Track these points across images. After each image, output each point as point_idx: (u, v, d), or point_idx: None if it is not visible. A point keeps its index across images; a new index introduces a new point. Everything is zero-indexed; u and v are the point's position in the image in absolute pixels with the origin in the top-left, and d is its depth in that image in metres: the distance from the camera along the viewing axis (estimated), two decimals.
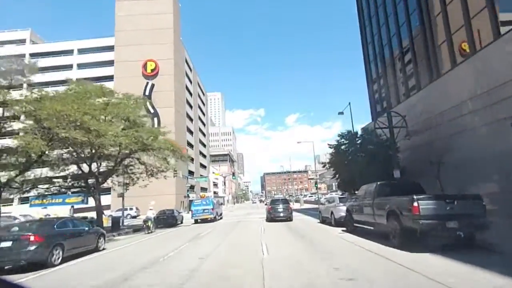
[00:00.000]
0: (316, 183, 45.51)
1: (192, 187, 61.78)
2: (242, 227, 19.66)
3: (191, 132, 64.57)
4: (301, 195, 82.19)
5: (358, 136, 20.81)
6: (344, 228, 13.19)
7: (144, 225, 20.26)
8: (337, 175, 23.05)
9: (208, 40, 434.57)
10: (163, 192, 48.19)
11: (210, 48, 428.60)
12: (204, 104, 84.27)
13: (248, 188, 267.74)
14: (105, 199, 49.64)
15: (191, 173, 58.89)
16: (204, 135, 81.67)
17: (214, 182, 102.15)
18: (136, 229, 21.82)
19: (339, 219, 14.60)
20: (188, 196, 46.18)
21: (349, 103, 26.87)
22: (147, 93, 50.51)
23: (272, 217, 20.37)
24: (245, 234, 15.42)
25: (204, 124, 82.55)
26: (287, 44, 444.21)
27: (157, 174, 23.54)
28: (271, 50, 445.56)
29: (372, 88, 26.43)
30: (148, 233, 19.05)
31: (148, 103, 50.81)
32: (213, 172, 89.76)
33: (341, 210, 14.61)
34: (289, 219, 20.31)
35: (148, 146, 19.19)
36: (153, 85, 50.99)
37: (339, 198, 15.55)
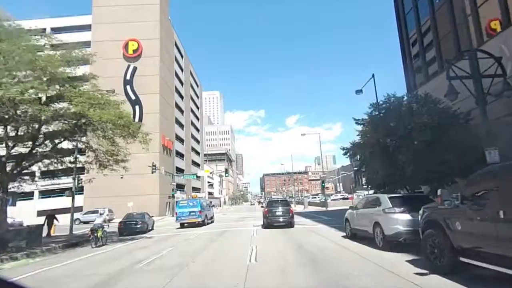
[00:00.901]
0: (323, 182, 38.87)
1: (181, 186, 55.02)
2: (225, 241, 13.12)
3: (181, 125, 57.87)
4: (305, 196, 75.64)
5: (404, 102, 13.81)
6: (416, 257, 6.52)
7: (91, 236, 13.80)
8: (365, 167, 16.23)
9: (208, 41, 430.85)
10: (145, 191, 41.48)
11: (210, 50, 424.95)
12: (198, 97, 77.62)
13: (247, 189, 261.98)
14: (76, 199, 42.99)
15: (180, 170, 52.24)
16: (197, 130, 74.99)
17: (209, 182, 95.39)
18: (85, 241, 15.29)
19: (393, 237, 7.97)
20: (173, 196, 39.47)
21: (373, 75, 20.45)
22: (128, 77, 43.88)
23: (269, 223, 16.47)
24: (223, 259, 8.77)
25: (198, 119, 75.88)
26: (288, 46, 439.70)
27: (114, 165, 16.73)
28: (271, 52, 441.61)
29: (409, 49, 19.63)
30: (97, 246, 13.38)
31: (128, 88, 44.28)
32: (203, 170, 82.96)
33: (397, 222, 7.99)
34: (290, 224, 16.40)
35: (81, 117, 12.53)
36: (135, 68, 44.32)
37: (391, 198, 8.75)
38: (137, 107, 43.09)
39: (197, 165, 70.71)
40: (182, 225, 21.24)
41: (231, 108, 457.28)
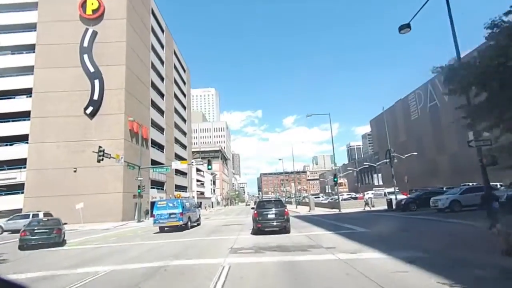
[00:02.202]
0: (335, 176, 29.79)
1: (159, 184, 45.66)
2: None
3: (160, 111, 48.50)
4: (310, 195, 66.65)
5: None
6: None
7: None
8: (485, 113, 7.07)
9: (206, 42, 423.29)
10: (104, 188, 32.13)
11: (208, 50, 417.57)
12: (185, 83, 68.23)
13: (244, 190, 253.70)
14: (12, 200, 33.49)
15: (156, 163, 42.93)
16: (184, 120, 65.65)
17: (199, 181, 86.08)
18: None
19: None
20: (139, 195, 30.19)
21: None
22: (85, 44, 34.45)
23: (259, 228, 13.54)
24: None
25: (184, 107, 66.52)
26: (285, 46, 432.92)
27: None
28: (269, 52, 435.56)
29: None
30: None
31: (86, 58, 34.85)
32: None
33: None
34: (284, 229, 13.53)
35: None
36: (95, 33, 34.92)
37: None
38: (96, 82, 33.70)
39: (183, 160, 61.25)
40: (162, 229, 18.61)
41: (228, 108, 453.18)
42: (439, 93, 68.17)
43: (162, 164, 46.79)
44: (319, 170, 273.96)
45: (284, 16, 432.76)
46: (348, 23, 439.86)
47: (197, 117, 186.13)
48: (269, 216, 13.58)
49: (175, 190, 53.97)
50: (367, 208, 29.58)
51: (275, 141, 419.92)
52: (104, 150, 23.51)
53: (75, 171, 32.24)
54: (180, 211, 18.20)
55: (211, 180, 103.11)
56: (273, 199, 16.13)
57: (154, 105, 45.21)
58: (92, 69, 33.88)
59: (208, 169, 30.45)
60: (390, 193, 35.17)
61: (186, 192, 61.30)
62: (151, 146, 42.96)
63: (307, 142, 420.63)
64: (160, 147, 47.21)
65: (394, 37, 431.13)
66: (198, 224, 22.30)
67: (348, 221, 17.80)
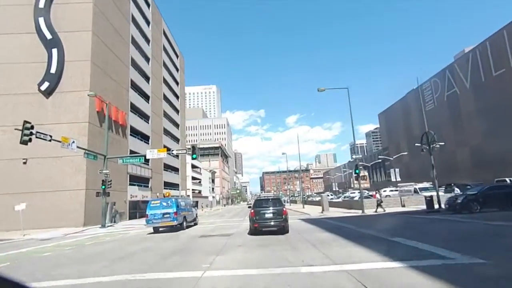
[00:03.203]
0: (356, 168, 22.78)
1: (142, 180, 38.93)
2: None
3: (144, 96, 41.71)
4: (322, 193, 59.76)
5: None
6: None
7: None
8: None
9: (209, 41, 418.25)
10: (61, 185, 25.39)
11: (211, 50, 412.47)
12: (178, 70, 61.37)
13: (246, 189, 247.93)
14: None
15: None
16: (177, 111, 58.83)
17: (196, 179, 79.29)
18: None
19: None
20: (105, 193, 23.45)
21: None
22: (41, 4, 27.67)
23: (256, 228, 12.84)
24: None
25: (177, 97, 59.69)
26: (287, 45, 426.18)
27: None
28: (271, 51, 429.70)
29: None
30: None
31: (41, 22, 28.00)
32: (190, 161, 66.74)
33: None
34: (283, 229, 12.79)
35: None
36: None
37: None
38: (54, 52, 26.93)
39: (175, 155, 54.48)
40: (156, 230, 17.73)
41: (231, 108, 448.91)
42: (459, 80, 61.05)
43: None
44: (322, 169, 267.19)
45: (286, 16, 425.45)
46: (350, 20, 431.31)
47: (197, 113, 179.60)
48: (267, 216, 12.92)
49: (165, 188, 47.25)
50: (381, 210, 22.55)
51: (278, 140, 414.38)
52: (32, 126, 16.61)
53: (24, 163, 25.51)
54: (175, 210, 17.46)
55: (209, 178, 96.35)
56: (271, 198, 14.86)
57: (135, 87, 38.39)
58: (49, 36, 27.09)
59: (193, 158, 23.69)
60: (422, 189, 28.24)
61: (177, 190, 54.57)
62: (131, 135, 36.18)
63: (310, 141, 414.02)
64: (144, 137, 40.42)
65: (394, 36, 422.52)
66: (195, 224, 21.44)
67: (402, 233, 10.83)
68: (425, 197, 21.95)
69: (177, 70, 61.08)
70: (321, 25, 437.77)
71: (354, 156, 24.02)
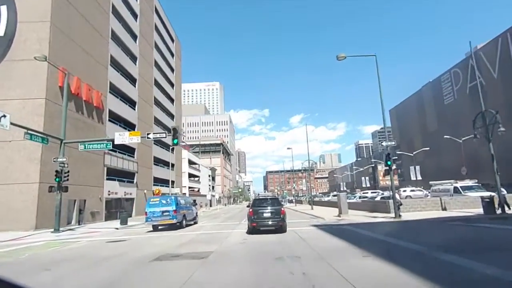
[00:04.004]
0: (388, 159, 16.97)
1: (125, 174, 33.53)
2: None
3: (130, 78, 36.29)
4: (328, 193, 54.08)
5: None
6: None
7: None
8: None
9: (214, 40, 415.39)
10: (7, 177, 19.97)
11: (216, 49, 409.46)
12: (173, 55, 55.82)
13: (249, 188, 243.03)
14: None
15: (130, 149, 30.77)
16: (171, 100, 53.37)
17: (194, 176, 73.83)
18: None
19: None
20: (60, 187, 18.06)
21: None
22: None
23: (254, 227, 12.82)
24: None
25: (172, 85, 54.22)
26: (292, 45, 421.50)
27: None
28: (276, 51, 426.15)
29: None
30: None
31: None
32: (183, 156, 61.21)
33: None
34: (280, 229, 12.77)
35: None
36: None
37: None
38: (3, 9, 21.53)
39: (166, 146, 49.12)
40: (155, 228, 17.74)
41: (235, 107, 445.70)
42: (486, 69, 54.81)
43: (130, 148, 34.58)
44: (326, 169, 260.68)
45: (287, 15, 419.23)
46: (355, 20, 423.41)
47: (199, 109, 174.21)
48: (265, 215, 12.91)
49: (155, 185, 41.87)
50: (403, 216, 16.59)
51: (282, 140, 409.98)
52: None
53: None
54: (174, 208, 17.26)
55: (209, 176, 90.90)
56: (269, 197, 15.34)
57: (117, 66, 32.90)
58: None
59: (174, 144, 18.27)
60: (466, 188, 22.45)
61: (172, 187, 49.12)
62: (112, 121, 30.73)
63: (314, 141, 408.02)
64: (128, 125, 34.93)
65: (396, 36, 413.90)
66: (195, 223, 21.25)
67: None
68: (482, 198, 16.30)
69: (172, 55, 55.52)
70: (325, 25, 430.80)
71: (385, 143, 18.29)
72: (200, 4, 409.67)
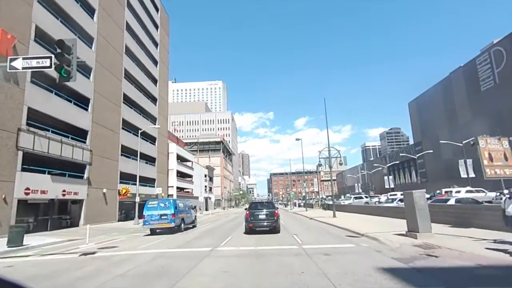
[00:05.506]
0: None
1: (73, 166, 23.30)
2: None
3: (80, 31, 26.36)
4: (353, 194, 44.18)
5: None
6: None
7: None
8: None
9: (218, 43, 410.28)
10: None
11: (220, 51, 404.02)
12: (157, 27, 45.88)
13: (252, 190, 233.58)
14: None
15: (59, 122, 20.88)
16: (154, 80, 43.40)
17: (186, 175, 63.42)
18: None
19: None
20: None
21: None
22: None
23: (251, 227, 14.57)
24: None
25: (155, 63, 44.30)
26: (298, 47, 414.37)
27: None
28: (281, 53, 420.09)
29: None
30: None
31: None
32: (179, 153, 50.85)
33: None
34: (274, 229, 14.50)
35: None
36: None
37: None
38: None
39: (147, 137, 39.03)
40: (153, 232, 17.42)
41: (240, 110, 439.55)
42: None
43: (78, 129, 24.50)
44: (333, 171, 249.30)
45: (290, 15, 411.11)
46: (359, 20, 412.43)
47: (199, 107, 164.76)
48: (260, 217, 14.37)
49: (122, 182, 31.75)
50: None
51: (286, 143, 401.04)
52: None
53: None
54: (172, 212, 17.20)
55: (205, 175, 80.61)
56: (265, 201, 16.77)
57: (54, 8, 22.97)
58: None
59: (63, 77, 7.90)
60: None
61: (152, 186, 39.00)
62: (39, 85, 20.72)
63: (319, 144, 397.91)
64: (78, 98, 24.89)
65: (400, 34, 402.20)
66: (194, 226, 21.13)
67: None
68: None
69: (157, 27, 45.62)
70: (329, 24, 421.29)
71: None
72: (200, 4, 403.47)
